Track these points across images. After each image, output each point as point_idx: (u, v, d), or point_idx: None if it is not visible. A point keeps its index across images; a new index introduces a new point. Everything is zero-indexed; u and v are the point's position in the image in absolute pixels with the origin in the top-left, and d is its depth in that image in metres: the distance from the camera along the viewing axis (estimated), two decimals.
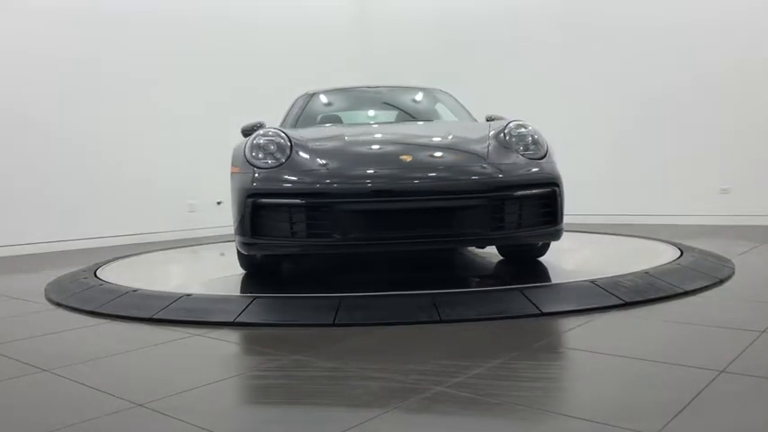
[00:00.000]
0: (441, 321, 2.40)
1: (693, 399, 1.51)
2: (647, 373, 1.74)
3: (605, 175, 6.72)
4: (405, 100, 4.51)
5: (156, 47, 6.43)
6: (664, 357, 1.86)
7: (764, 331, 2.11)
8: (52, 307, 3.05)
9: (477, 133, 3.24)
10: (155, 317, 2.63)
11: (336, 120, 4.25)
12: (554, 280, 2.87)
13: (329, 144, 3.23)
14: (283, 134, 3.16)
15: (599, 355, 1.93)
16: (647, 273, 2.95)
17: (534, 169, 2.98)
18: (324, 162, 2.97)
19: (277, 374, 1.85)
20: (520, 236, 2.96)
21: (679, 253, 3.58)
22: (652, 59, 6.48)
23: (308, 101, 4.49)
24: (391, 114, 4.35)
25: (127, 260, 4.37)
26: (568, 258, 3.73)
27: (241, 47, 7.09)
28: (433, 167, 2.94)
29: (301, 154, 3.05)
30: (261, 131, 3.24)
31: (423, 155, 3.07)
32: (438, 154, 3.12)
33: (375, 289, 2.83)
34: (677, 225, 6.00)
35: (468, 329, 2.32)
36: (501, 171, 2.90)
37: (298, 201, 2.83)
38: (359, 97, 4.53)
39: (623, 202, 6.57)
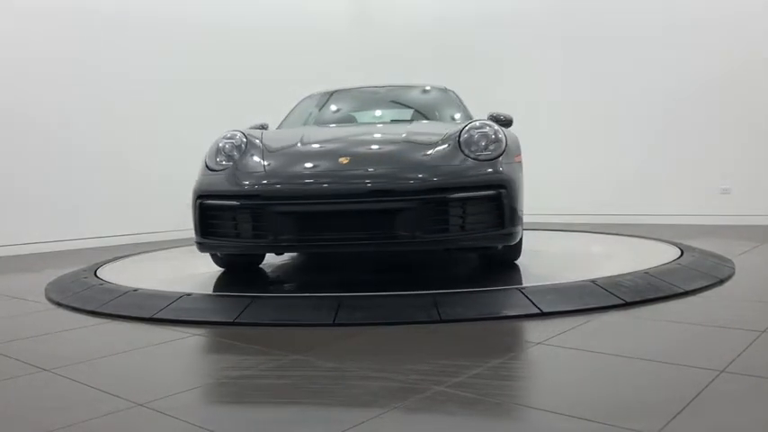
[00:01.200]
0: (441, 321, 2.40)
1: (694, 398, 1.51)
2: (648, 373, 1.74)
3: (605, 174, 6.72)
4: (403, 100, 4.50)
5: (156, 48, 6.43)
6: (664, 357, 1.86)
7: (765, 331, 2.11)
8: (52, 306, 3.05)
9: (437, 135, 3.14)
10: (155, 316, 2.63)
11: (328, 120, 4.25)
12: (554, 280, 2.86)
13: (279, 145, 3.26)
14: (243, 136, 3.29)
15: (599, 354, 1.93)
16: (647, 273, 2.95)
17: (479, 171, 2.86)
18: (266, 164, 3.04)
19: (277, 374, 1.85)
20: (460, 239, 2.85)
21: (679, 253, 3.58)
22: (652, 60, 6.48)
23: (309, 101, 4.52)
24: (387, 114, 4.32)
25: (127, 260, 4.37)
26: (568, 258, 3.73)
27: (241, 47, 7.09)
28: (368, 170, 2.90)
29: (252, 156, 3.14)
30: (226, 134, 3.35)
31: (363, 158, 3.04)
32: (380, 157, 3.05)
33: (375, 289, 2.83)
34: (677, 225, 6.00)
35: (468, 329, 2.32)
36: (437, 173, 2.82)
37: (235, 203, 2.91)
38: (358, 98, 4.53)
39: (623, 201, 6.58)
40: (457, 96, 4.45)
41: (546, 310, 2.47)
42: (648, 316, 2.42)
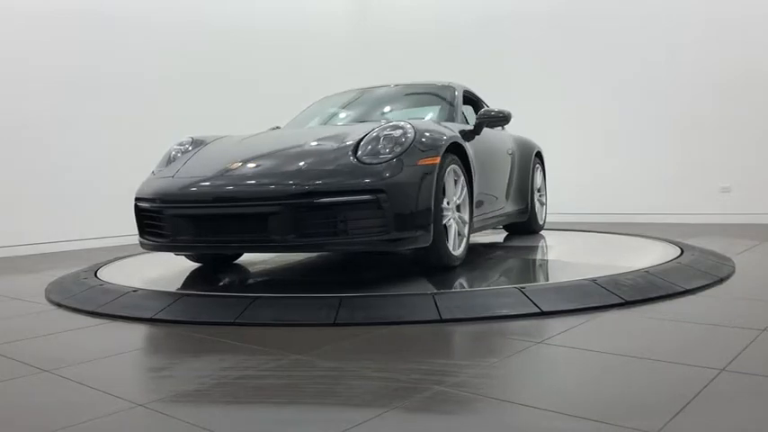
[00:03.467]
0: (441, 321, 2.40)
1: (694, 397, 1.51)
2: (647, 373, 1.74)
3: (605, 174, 6.72)
4: (399, 99, 4.46)
5: (156, 48, 6.43)
6: (664, 356, 1.86)
7: (765, 330, 2.11)
8: (53, 307, 3.05)
9: (350, 138, 3.10)
10: (155, 317, 2.63)
11: (309, 122, 4.30)
12: (554, 279, 2.86)
13: (198, 151, 3.49)
14: (190, 144, 3.60)
15: (599, 353, 1.93)
16: (647, 272, 2.94)
17: (355, 176, 2.81)
18: (177, 169, 3.28)
19: (277, 374, 1.85)
20: (340, 243, 2.84)
21: (679, 252, 3.58)
22: (652, 60, 6.48)
23: (320, 101, 4.63)
24: (373, 114, 4.26)
25: (127, 260, 4.37)
26: (569, 257, 3.73)
27: (241, 48, 7.10)
28: (247, 175, 2.97)
29: (177, 162, 3.41)
30: (180, 140, 3.68)
31: (253, 163, 3.09)
32: (267, 162, 3.08)
33: (375, 289, 2.83)
34: (677, 224, 6.00)
35: (468, 329, 2.32)
36: (308, 178, 2.82)
37: (146, 205, 3.19)
38: (357, 99, 4.51)
39: (624, 201, 6.58)
40: (454, 94, 4.25)
41: (546, 309, 2.47)
42: (648, 315, 2.42)
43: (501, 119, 3.93)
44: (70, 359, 2.09)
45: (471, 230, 3.53)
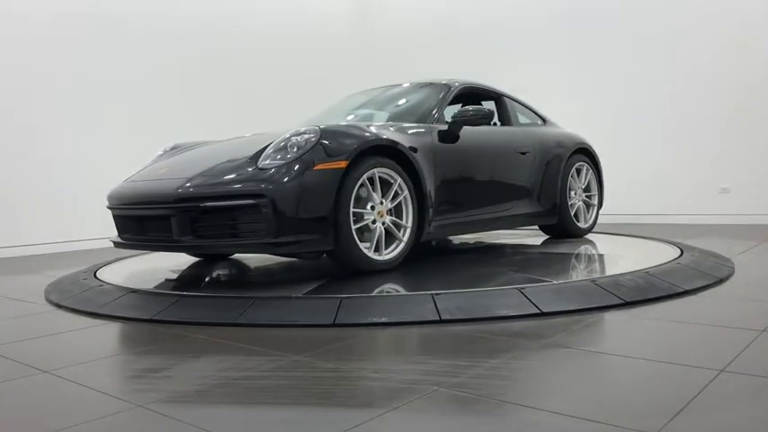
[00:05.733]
0: (441, 322, 2.40)
1: (694, 398, 1.51)
2: (648, 373, 1.74)
3: (605, 174, 6.71)
4: (398, 99, 4.42)
5: (155, 49, 6.43)
6: (664, 357, 1.86)
7: (764, 330, 2.11)
8: (52, 308, 3.05)
9: (258, 146, 3.14)
10: (155, 318, 2.63)
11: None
12: (554, 280, 2.86)
13: (163, 157, 3.81)
14: (169, 148, 3.95)
15: (599, 354, 1.93)
16: (647, 272, 2.94)
17: (239, 182, 2.89)
18: (138, 172, 3.61)
19: (277, 375, 1.85)
20: (235, 245, 2.99)
21: (679, 252, 3.58)
22: (651, 60, 6.49)
23: (334, 103, 4.67)
24: (360, 115, 4.26)
25: (127, 261, 4.37)
26: (568, 258, 3.73)
27: (241, 49, 7.10)
28: (163, 180, 3.19)
29: (146, 166, 3.72)
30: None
31: (172, 169, 3.32)
32: (182, 168, 3.25)
33: (375, 289, 2.83)
34: (677, 225, 6.01)
35: (467, 329, 2.32)
36: (199, 183, 2.96)
37: (107, 205, 3.49)
38: (357, 99, 4.51)
39: (623, 202, 6.58)
40: (446, 94, 4.02)
41: (546, 310, 2.47)
42: (648, 315, 2.42)
43: (480, 117, 3.71)
44: (69, 360, 2.09)
45: (427, 234, 3.44)
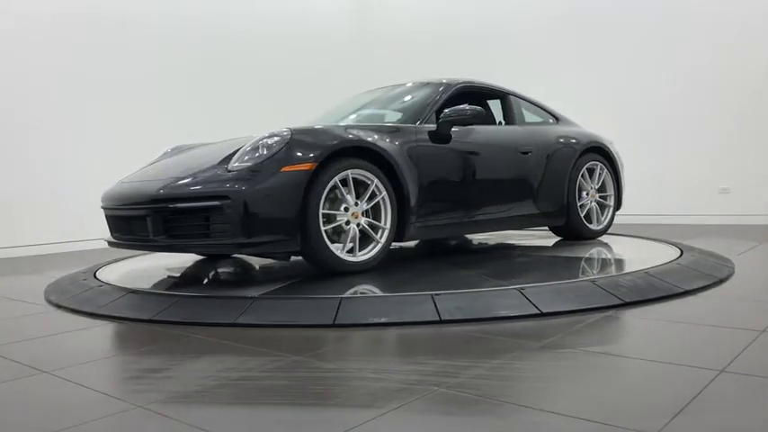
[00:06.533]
0: (441, 322, 2.40)
1: (693, 398, 1.51)
2: (648, 373, 1.74)
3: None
4: (399, 99, 4.40)
5: (155, 50, 6.43)
6: (664, 357, 1.86)
7: (764, 331, 2.11)
8: (52, 308, 3.05)
9: (233, 149, 3.17)
10: (154, 318, 2.63)
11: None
12: (554, 280, 2.86)
13: (161, 158, 3.90)
14: (170, 149, 4.03)
15: (599, 354, 1.93)
16: (646, 273, 2.94)
17: (206, 184, 2.96)
18: (132, 173, 3.68)
19: (277, 375, 1.84)
20: (206, 246, 3.04)
21: (679, 253, 3.58)
22: (651, 60, 6.49)
23: (339, 102, 4.69)
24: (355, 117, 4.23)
25: (127, 261, 4.37)
26: (568, 258, 3.73)
27: (241, 49, 7.10)
28: (146, 182, 3.27)
29: (142, 168, 3.78)
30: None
31: (156, 171, 3.43)
32: (163, 171, 3.35)
33: (374, 290, 2.83)
34: (677, 225, 6.01)
35: (467, 330, 2.32)
36: (172, 185, 3.04)
37: (102, 205, 3.57)
38: (370, 98, 4.49)
39: (623, 202, 6.57)
40: (439, 96, 3.93)
41: (545, 310, 2.47)
42: (648, 316, 2.42)
43: (469, 116, 3.60)
44: (69, 360, 2.09)
45: (410, 236, 3.42)
